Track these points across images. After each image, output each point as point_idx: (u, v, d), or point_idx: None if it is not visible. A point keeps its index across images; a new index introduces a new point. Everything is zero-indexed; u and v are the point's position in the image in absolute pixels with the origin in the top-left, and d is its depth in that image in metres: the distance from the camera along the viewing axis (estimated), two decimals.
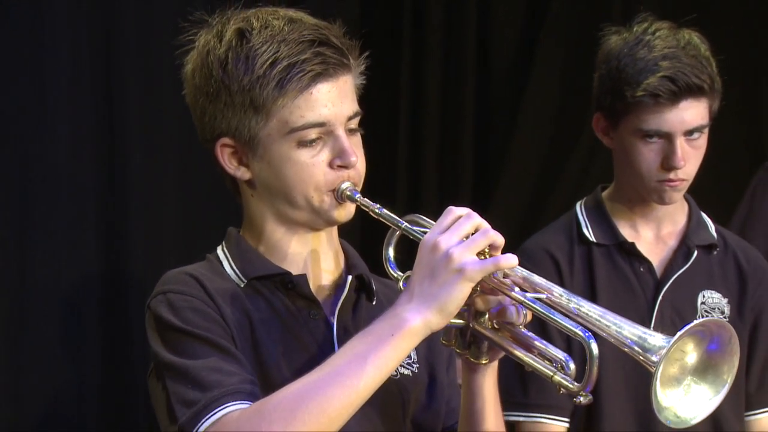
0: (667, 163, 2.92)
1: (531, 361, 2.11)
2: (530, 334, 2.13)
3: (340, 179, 2.21)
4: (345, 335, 2.18)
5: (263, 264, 2.26)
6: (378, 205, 2.21)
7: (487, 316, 2.13)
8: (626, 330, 2.02)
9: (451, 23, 4.42)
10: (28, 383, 3.31)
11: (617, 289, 3.02)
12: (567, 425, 2.99)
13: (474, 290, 2.06)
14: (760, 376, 3.05)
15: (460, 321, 2.14)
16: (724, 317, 3.00)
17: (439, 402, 2.31)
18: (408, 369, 2.28)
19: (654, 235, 3.07)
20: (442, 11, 4.40)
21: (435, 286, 2.04)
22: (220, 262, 2.28)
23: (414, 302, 2.05)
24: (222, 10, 2.26)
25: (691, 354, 2.03)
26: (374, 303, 2.30)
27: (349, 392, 2.02)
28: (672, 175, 2.93)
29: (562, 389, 2.07)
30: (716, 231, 3.12)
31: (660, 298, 3.01)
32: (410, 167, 4.39)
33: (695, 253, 3.05)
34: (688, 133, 2.92)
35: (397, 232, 2.22)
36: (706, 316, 3.00)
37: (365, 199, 2.21)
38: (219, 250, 2.31)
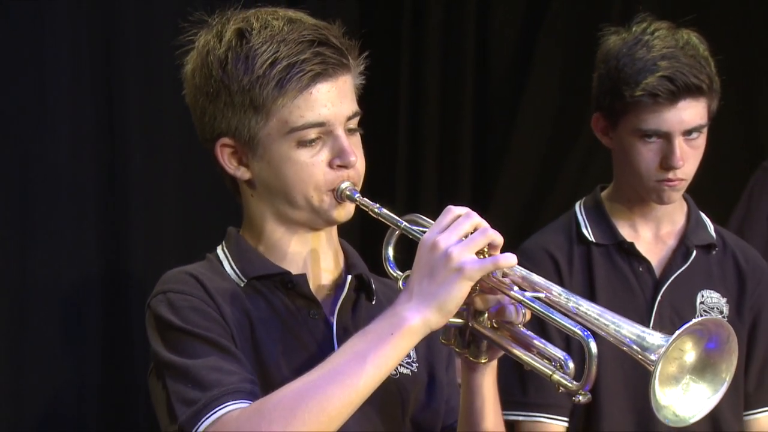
0: (666, 162, 2.92)
1: (530, 360, 2.11)
2: (529, 333, 2.13)
3: (339, 179, 2.21)
4: (344, 335, 2.18)
5: (263, 264, 2.26)
6: (377, 205, 2.21)
7: (486, 315, 2.14)
8: (625, 329, 2.02)
9: (450, 23, 4.42)
10: (28, 383, 3.31)
11: (616, 289, 3.02)
12: (566, 424, 3.00)
13: (473, 289, 2.07)
14: (759, 375, 3.05)
15: (460, 320, 2.15)
16: (723, 317, 3.01)
17: (439, 401, 2.32)
18: (407, 368, 2.28)
19: (653, 235, 3.07)
20: (442, 11, 4.41)
21: (434, 285, 2.04)
22: (220, 262, 2.28)
23: (413, 301, 2.05)
24: (222, 11, 2.27)
25: (690, 353, 2.03)
26: (374, 302, 2.30)
27: (348, 391, 2.02)
28: (671, 175, 2.94)
29: (561, 388, 2.07)
30: (715, 231, 3.12)
31: (659, 297, 3.01)
32: (410, 167, 4.40)
33: (694, 252, 3.05)
34: (687, 132, 2.92)
35: (397, 232, 2.22)
36: (705, 315, 3.00)
37: (365, 198, 2.22)
38: (219, 250, 2.31)
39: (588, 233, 3.06)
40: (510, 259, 2.06)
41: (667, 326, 2.92)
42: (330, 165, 2.21)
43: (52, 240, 3.34)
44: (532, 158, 4.49)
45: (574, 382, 2.06)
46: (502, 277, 2.09)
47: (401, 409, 2.26)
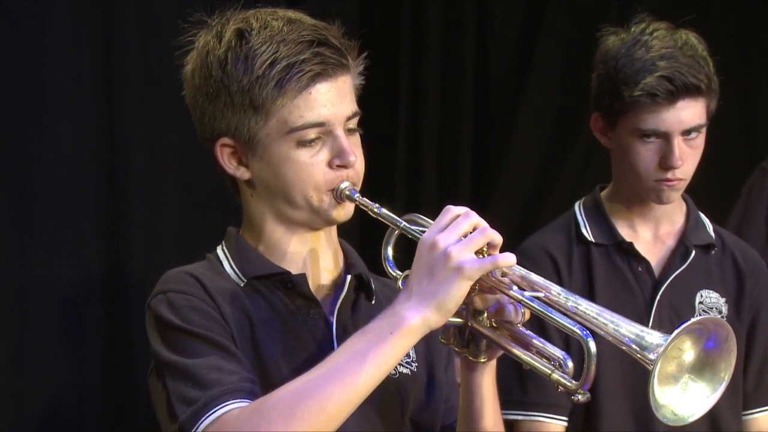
0: (665, 162, 2.92)
1: (529, 360, 2.11)
2: (528, 332, 2.13)
3: (339, 179, 2.21)
4: (344, 334, 2.19)
5: (263, 263, 2.26)
6: (377, 205, 2.21)
7: (485, 314, 2.14)
8: (624, 328, 2.02)
9: (450, 23, 4.43)
10: (28, 383, 3.31)
11: (615, 289, 3.02)
12: (565, 424, 3.00)
13: (472, 289, 2.07)
14: (758, 375, 3.05)
15: (459, 319, 2.15)
16: (722, 317, 3.01)
17: (438, 400, 2.32)
18: (407, 368, 2.29)
19: (652, 235, 3.08)
20: (442, 11, 4.41)
21: (433, 285, 2.04)
22: (220, 262, 2.28)
23: (413, 300, 2.05)
24: (221, 11, 2.27)
25: (689, 352, 2.04)
26: (373, 302, 2.31)
27: (348, 390, 2.02)
28: (670, 175, 2.94)
29: (560, 387, 2.07)
30: (714, 231, 3.12)
31: (658, 297, 3.02)
32: (409, 167, 4.40)
33: (693, 252, 3.05)
34: (686, 132, 2.93)
35: (396, 232, 2.22)
36: (704, 315, 3.00)
37: (364, 198, 2.22)
38: (219, 250, 2.31)
39: (587, 233, 3.07)
40: (509, 258, 2.06)
41: (666, 326, 2.92)
42: (329, 165, 2.21)
43: (52, 240, 3.34)
44: (532, 158, 4.50)
45: (573, 382, 2.06)
46: (502, 276, 2.09)
47: (400, 408, 2.26)
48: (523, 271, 2.10)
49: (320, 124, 2.20)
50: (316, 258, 2.29)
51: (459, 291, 2.04)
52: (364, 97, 2.29)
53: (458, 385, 2.26)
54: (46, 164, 3.34)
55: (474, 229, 2.07)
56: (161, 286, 2.21)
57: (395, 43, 4.36)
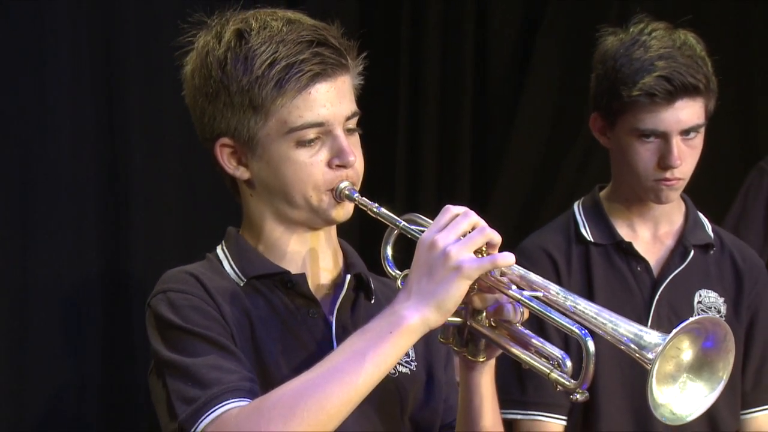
0: (664, 162, 2.93)
1: (528, 359, 2.11)
2: (527, 331, 2.13)
3: (338, 179, 2.22)
4: (344, 334, 2.19)
5: (262, 263, 2.27)
6: (376, 205, 2.22)
7: (484, 314, 2.14)
8: (622, 327, 2.03)
9: (449, 23, 4.43)
10: (29, 383, 3.31)
11: (614, 289, 3.03)
12: (564, 423, 3.00)
13: (471, 288, 2.07)
14: (756, 374, 3.06)
15: (458, 319, 2.15)
16: (721, 316, 3.01)
17: (437, 400, 2.32)
18: (406, 367, 2.29)
19: (651, 235, 3.08)
20: (441, 11, 4.41)
21: (433, 284, 2.05)
22: (220, 262, 2.29)
23: (412, 300, 2.06)
24: (221, 12, 2.27)
25: (687, 351, 2.04)
26: (373, 302, 2.31)
27: (347, 389, 2.03)
28: (668, 174, 2.94)
29: (558, 386, 2.07)
30: (713, 231, 3.12)
31: (657, 297, 3.02)
32: (409, 167, 4.40)
33: (692, 252, 3.06)
34: (685, 132, 2.93)
35: (396, 231, 2.23)
36: (703, 315, 3.00)
37: (364, 198, 2.22)
38: (219, 250, 2.32)
39: (586, 233, 3.07)
40: (508, 258, 2.06)
41: (664, 325, 2.93)
42: (329, 165, 2.21)
43: (52, 240, 3.34)
44: (531, 158, 4.50)
45: (572, 381, 2.06)
46: (500, 276, 2.09)
47: (400, 407, 2.27)
48: (522, 270, 2.10)
49: (319, 124, 2.20)
50: (315, 258, 2.29)
51: (458, 290, 2.04)
52: (363, 97, 2.29)
53: (457, 384, 2.26)
54: (46, 164, 3.34)
55: (473, 229, 2.07)
56: (161, 285, 2.21)
57: (395, 43, 4.36)
